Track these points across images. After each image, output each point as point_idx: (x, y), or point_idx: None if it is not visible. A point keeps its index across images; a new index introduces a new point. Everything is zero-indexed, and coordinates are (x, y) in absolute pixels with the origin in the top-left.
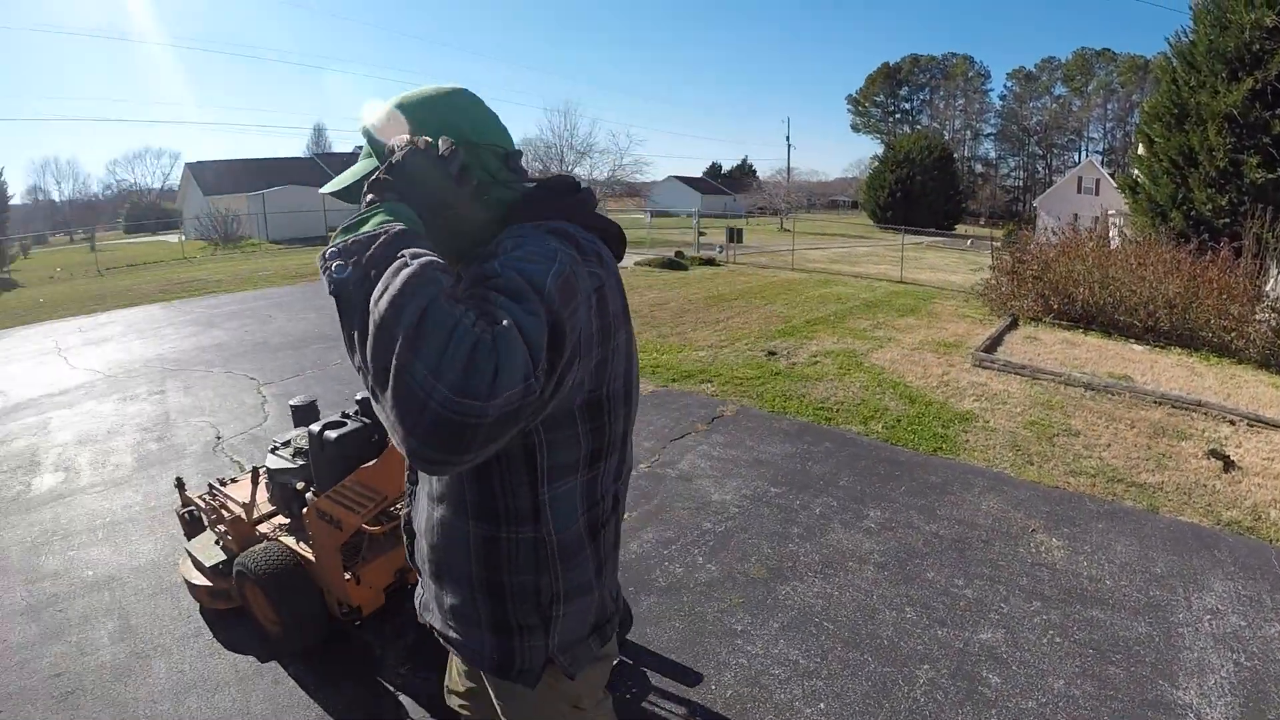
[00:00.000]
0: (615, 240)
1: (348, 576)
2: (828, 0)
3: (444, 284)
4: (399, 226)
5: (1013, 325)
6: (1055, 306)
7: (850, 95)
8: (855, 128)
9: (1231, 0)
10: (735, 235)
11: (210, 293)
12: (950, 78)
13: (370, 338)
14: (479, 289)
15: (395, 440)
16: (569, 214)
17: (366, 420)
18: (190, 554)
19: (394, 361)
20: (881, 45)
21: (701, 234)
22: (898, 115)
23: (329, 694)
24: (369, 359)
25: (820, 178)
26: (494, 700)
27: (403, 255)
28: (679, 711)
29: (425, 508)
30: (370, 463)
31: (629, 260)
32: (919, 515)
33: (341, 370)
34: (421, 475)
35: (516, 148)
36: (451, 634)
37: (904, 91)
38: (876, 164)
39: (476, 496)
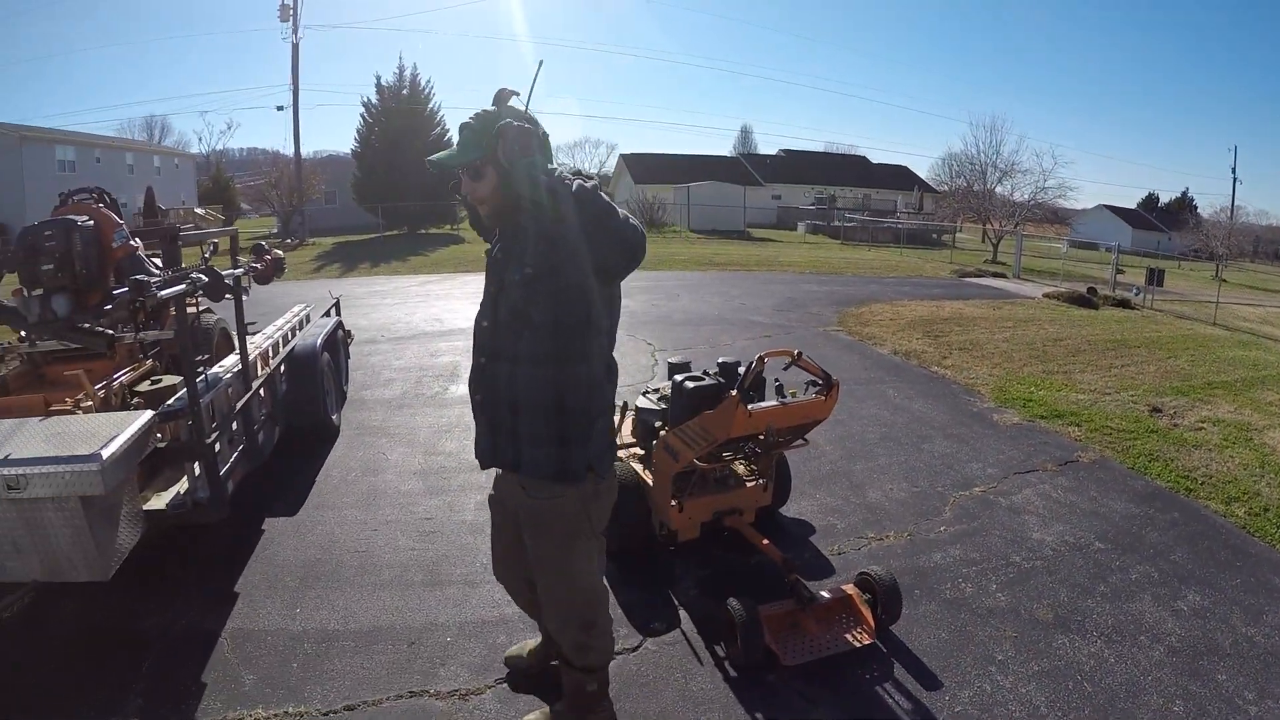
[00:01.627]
0: None
1: (674, 504)
2: None
3: None
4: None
5: None
6: None
7: None
8: None
9: None
10: (1156, 277)
11: None
12: None
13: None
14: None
15: (635, 257)
16: None
17: (721, 380)
18: None
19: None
20: None
21: (1120, 271)
22: None
23: (626, 590)
24: (621, 224)
25: (1270, 220)
26: (529, 523)
27: (593, 181)
28: (905, 706)
29: (505, 370)
30: (711, 410)
31: (1037, 291)
32: (1241, 614)
33: (730, 350)
34: (498, 350)
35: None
36: (525, 456)
37: None
38: None
39: (551, 348)
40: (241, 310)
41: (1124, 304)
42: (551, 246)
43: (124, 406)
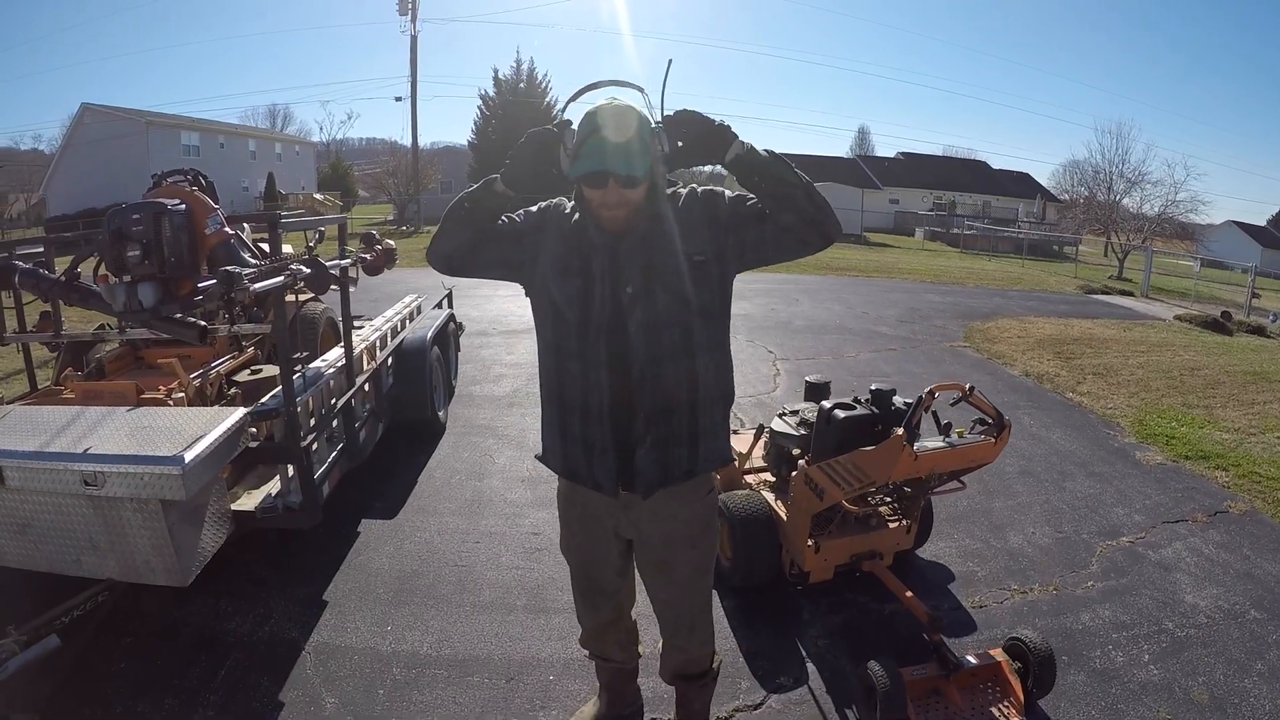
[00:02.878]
0: None
1: (810, 543)
2: None
3: None
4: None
5: None
6: None
7: None
8: None
9: None
10: None
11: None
12: None
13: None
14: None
15: (829, 231)
16: None
17: (875, 410)
18: None
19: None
20: None
21: (1255, 295)
22: None
23: (748, 635)
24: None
25: None
26: (693, 534)
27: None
28: None
29: (680, 368)
30: (869, 448)
31: (1167, 312)
32: None
33: (856, 363)
34: (659, 350)
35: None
36: (702, 453)
37: None
38: None
39: (721, 335)
40: (348, 302)
41: (1259, 331)
42: (718, 231)
43: (220, 396)
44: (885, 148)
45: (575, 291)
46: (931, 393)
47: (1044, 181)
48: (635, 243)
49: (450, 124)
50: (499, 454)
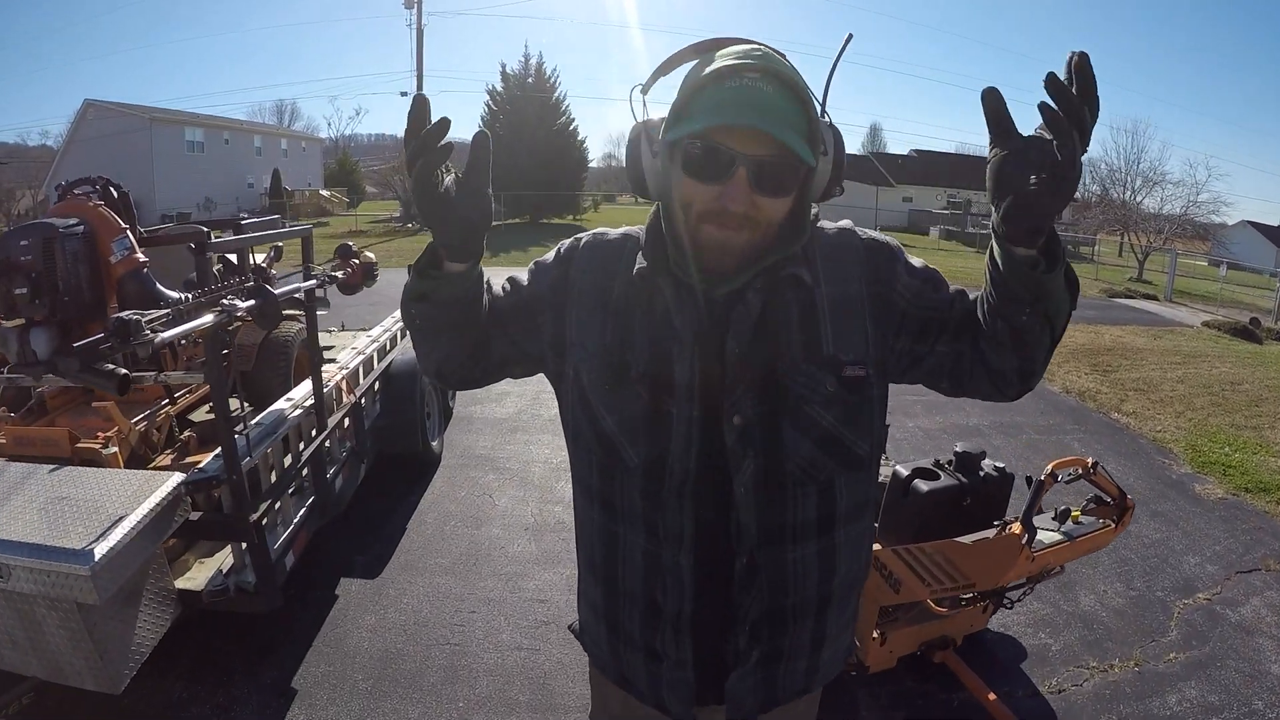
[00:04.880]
0: None
1: (876, 635)
2: None
3: None
4: None
5: None
6: None
7: None
8: None
9: None
10: None
11: None
12: None
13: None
14: None
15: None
16: None
17: (962, 479)
18: None
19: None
20: None
21: None
22: None
23: None
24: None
25: None
26: None
27: None
28: None
29: (807, 553)
30: (970, 538)
31: (1193, 318)
32: None
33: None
34: (781, 524)
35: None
36: (824, 661)
37: None
38: None
39: (850, 500)
40: (315, 332)
41: None
42: (889, 324)
43: (170, 443)
44: (898, 144)
45: (638, 414)
46: (1053, 475)
47: None
48: (750, 325)
49: (457, 119)
50: (500, 494)
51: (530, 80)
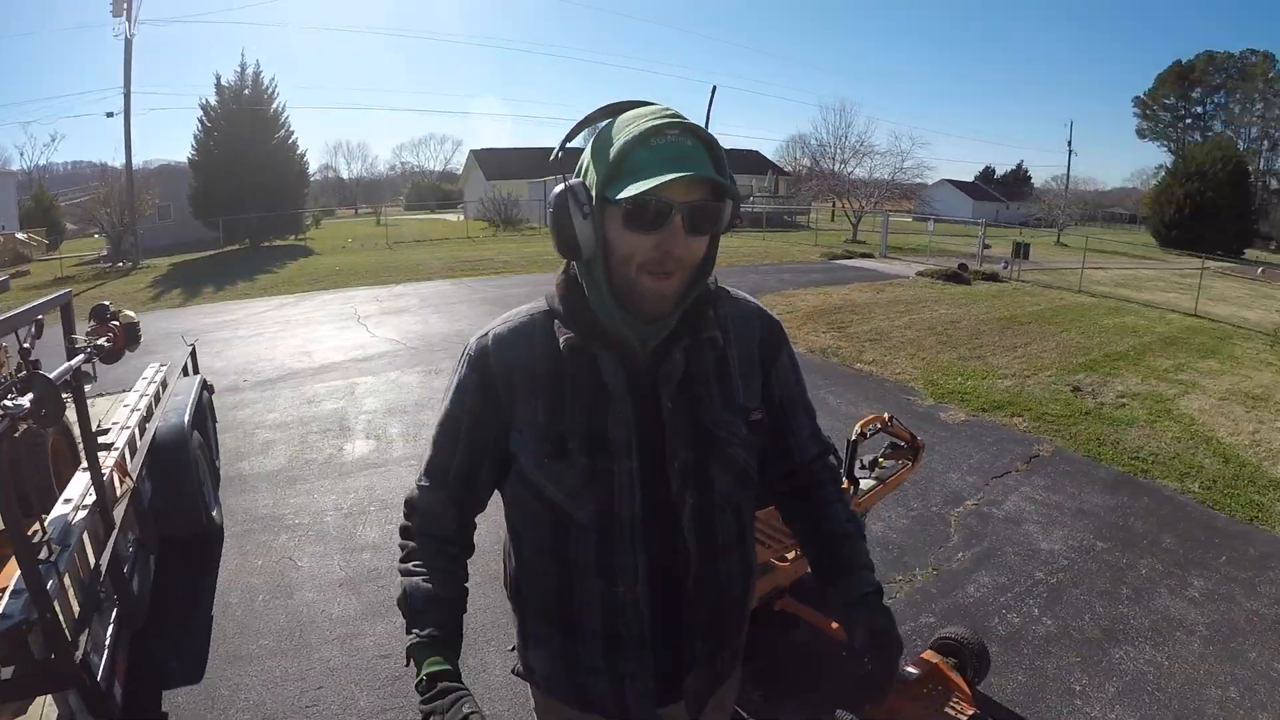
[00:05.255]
0: None
1: None
2: None
3: None
4: None
5: None
6: None
7: (1137, 97)
8: (1141, 133)
9: None
10: (1023, 251)
11: (499, 273)
12: (1248, 78)
13: None
14: None
15: None
16: None
17: None
18: None
19: None
20: (1176, 40)
21: (986, 246)
22: (1188, 120)
23: None
24: None
25: (1097, 186)
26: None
27: None
28: None
29: (733, 566)
30: None
31: (908, 269)
32: (1240, 589)
33: None
34: (721, 544)
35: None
36: (704, 679)
37: (1196, 93)
38: (1164, 176)
39: (749, 512)
40: (86, 415)
41: (994, 278)
42: (768, 390)
43: None
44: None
45: (577, 478)
46: (863, 433)
47: (770, 157)
48: (677, 380)
49: (170, 139)
50: (299, 554)
51: (247, 92)
